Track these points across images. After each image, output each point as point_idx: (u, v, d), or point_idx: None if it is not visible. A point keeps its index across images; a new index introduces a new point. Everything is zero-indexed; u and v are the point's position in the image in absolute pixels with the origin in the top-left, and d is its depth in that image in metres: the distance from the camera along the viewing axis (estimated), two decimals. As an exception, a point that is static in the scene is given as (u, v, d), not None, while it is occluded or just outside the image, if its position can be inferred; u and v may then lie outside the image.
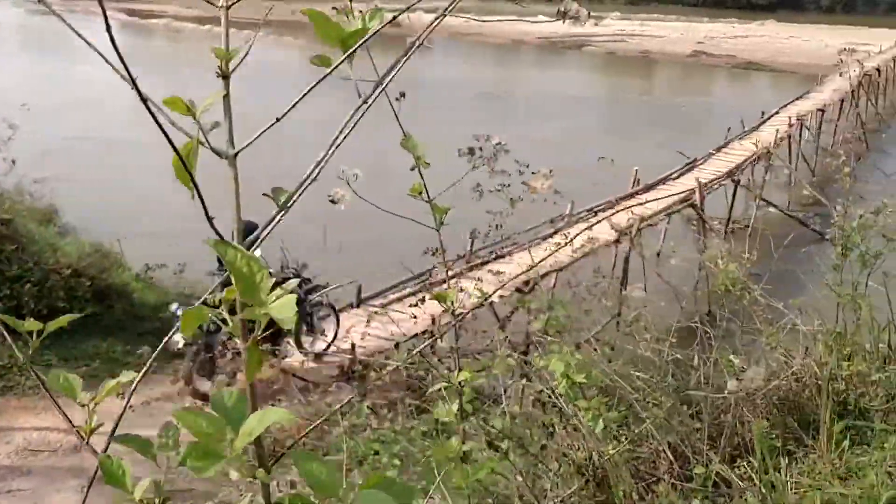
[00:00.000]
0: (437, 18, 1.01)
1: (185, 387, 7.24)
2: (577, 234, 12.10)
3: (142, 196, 16.29)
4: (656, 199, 14.90)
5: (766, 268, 15.51)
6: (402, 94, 1.36)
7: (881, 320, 3.47)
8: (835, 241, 2.92)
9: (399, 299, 10.20)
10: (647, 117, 31.67)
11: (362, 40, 0.89)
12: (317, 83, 0.90)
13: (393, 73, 0.99)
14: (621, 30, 62.52)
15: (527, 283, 10.34)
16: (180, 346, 7.01)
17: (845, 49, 19.96)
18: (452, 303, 1.45)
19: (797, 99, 24.88)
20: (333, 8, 0.96)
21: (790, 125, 20.10)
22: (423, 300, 8.68)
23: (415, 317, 7.95)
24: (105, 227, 13.31)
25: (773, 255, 16.22)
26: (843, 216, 2.90)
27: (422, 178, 1.30)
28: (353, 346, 7.40)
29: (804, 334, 3.18)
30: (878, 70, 31.40)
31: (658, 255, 16.07)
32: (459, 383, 1.78)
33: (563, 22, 1.03)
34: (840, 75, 24.76)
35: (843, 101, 25.84)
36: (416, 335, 8.21)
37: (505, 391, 2.95)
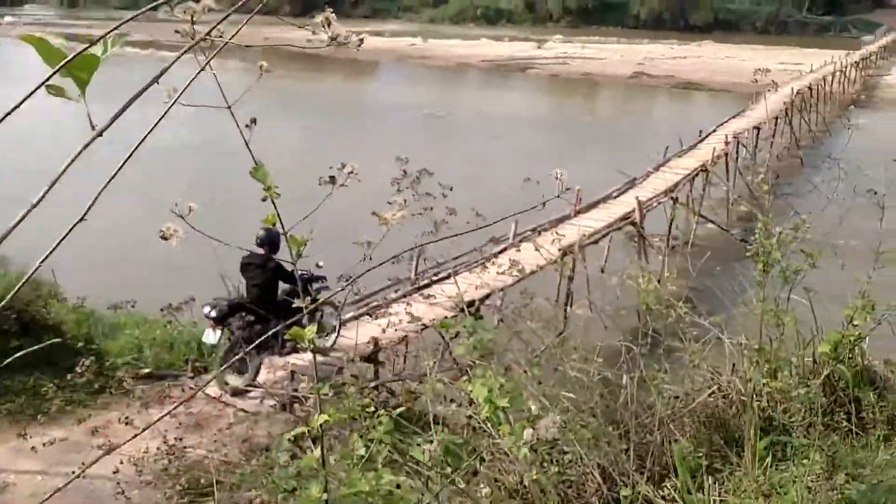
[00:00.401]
0: (218, 23, 0.94)
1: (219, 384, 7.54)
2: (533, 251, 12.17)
3: (79, 227, 15.89)
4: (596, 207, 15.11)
5: (704, 282, 15.81)
6: (253, 121, 1.29)
7: (809, 333, 3.53)
8: (756, 257, 2.95)
9: (342, 324, 10.04)
10: (590, 137, 32.27)
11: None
12: (22, 101, 0.85)
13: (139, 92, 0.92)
14: (564, 52, 63.96)
15: (471, 303, 10.32)
16: (213, 342, 7.51)
17: (759, 70, 20.93)
18: (312, 340, 1.37)
19: (733, 117, 25.65)
20: (176, 31, 0.89)
21: (727, 143, 20.69)
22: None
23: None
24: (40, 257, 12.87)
25: (714, 270, 16.52)
26: (764, 232, 2.93)
27: (275, 207, 1.23)
28: (292, 373, 7.22)
29: (731, 350, 3.20)
30: (809, 88, 32.72)
31: (602, 272, 16.32)
32: (320, 426, 1.70)
33: (336, 47, 1.00)
34: (757, 94, 25.55)
35: (777, 118, 26.77)
36: (356, 361, 8.08)
37: (434, 418, 2.87)
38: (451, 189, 3.97)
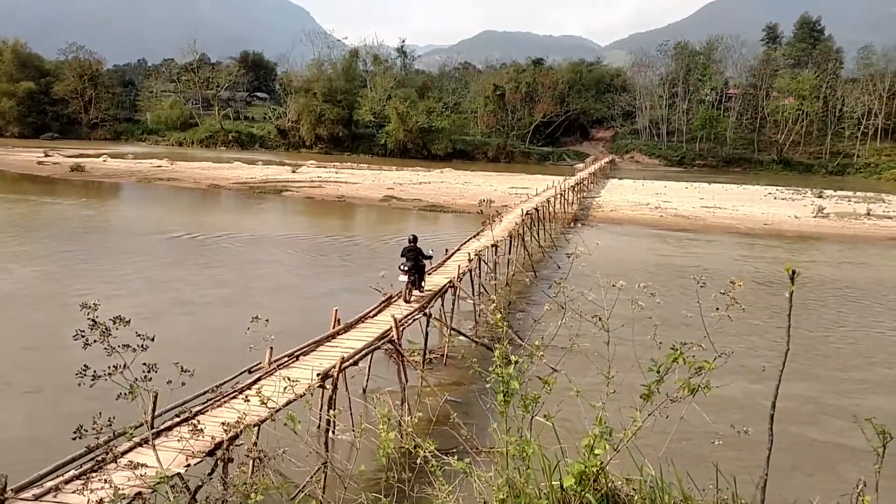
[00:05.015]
0: None
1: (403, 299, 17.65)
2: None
3: None
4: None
5: (465, 395, 15.98)
6: None
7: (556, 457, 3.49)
8: (496, 388, 2.87)
9: (63, 484, 8.41)
10: (346, 256, 32.66)
11: None
12: None
13: None
14: (318, 176, 65.67)
15: (219, 445, 9.31)
16: (404, 280, 17.58)
17: (482, 201, 24.09)
18: None
19: (474, 237, 27.62)
20: None
21: (470, 260, 22.07)
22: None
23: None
24: None
25: (471, 382, 16.82)
26: (501, 361, 2.88)
27: None
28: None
29: (479, 489, 3.03)
30: (536, 209, 36.61)
31: (364, 392, 15.99)
32: None
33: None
34: (493, 215, 27.92)
35: (511, 237, 29.35)
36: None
37: None
38: (153, 339, 3.45)
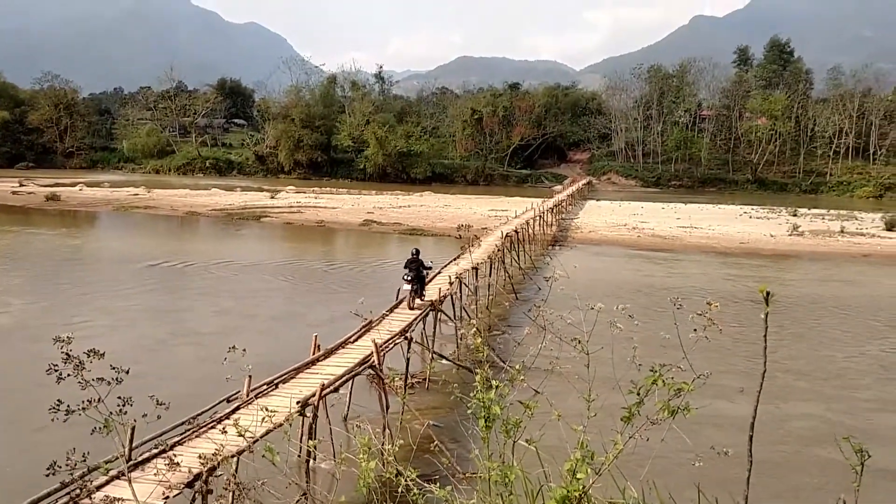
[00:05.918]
0: None
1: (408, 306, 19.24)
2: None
3: None
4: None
5: (447, 419, 15.76)
6: None
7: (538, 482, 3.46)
8: (477, 413, 2.84)
9: None
10: (326, 281, 32.46)
11: None
12: None
13: None
14: (297, 202, 65.53)
15: (198, 476, 9.13)
16: (407, 289, 19.37)
17: (461, 226, 24.60)
18: None
19: (453, 260, 27.61)
20: None
21: (451, 283, 22.04)
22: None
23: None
24: None
25: (453, 405, 16.57)
26: (483, 386, 2.85)
27: None
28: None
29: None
30: (516, 232, 36.74)
31: (345, 419, 15.81)
32: None
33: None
34: (473, 238, 27.97)
35: (491, 259, 29.38)
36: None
37: None
38: (128, 371, 3.39)
